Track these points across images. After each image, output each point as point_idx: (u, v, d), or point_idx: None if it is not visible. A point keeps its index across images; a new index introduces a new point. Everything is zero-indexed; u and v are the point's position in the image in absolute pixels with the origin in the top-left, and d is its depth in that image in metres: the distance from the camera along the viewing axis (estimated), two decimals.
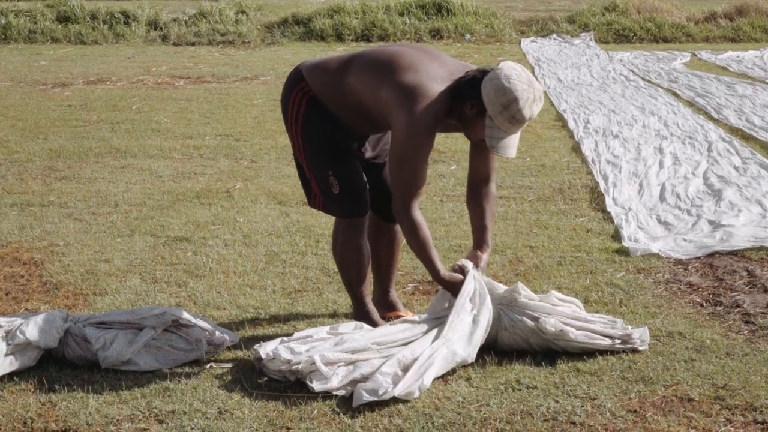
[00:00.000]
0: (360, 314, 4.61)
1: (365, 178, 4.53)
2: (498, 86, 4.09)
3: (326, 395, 3.90)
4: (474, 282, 4.31)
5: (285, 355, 4.06)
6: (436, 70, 4.25)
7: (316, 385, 3.93)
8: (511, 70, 4.14)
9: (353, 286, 4.62)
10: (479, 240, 4.50)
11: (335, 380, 3.96)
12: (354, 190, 4.47)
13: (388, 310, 4.78)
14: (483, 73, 4.18)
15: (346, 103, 4.37)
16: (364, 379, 3.97)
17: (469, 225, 4.42)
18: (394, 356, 4.08)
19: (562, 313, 4.33)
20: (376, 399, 3.85)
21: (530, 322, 4.27)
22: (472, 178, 4.53)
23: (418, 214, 4.27)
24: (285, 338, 4.26)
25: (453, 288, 4.34)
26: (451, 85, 4.20)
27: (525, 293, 4.36)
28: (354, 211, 4.50)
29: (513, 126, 4.12)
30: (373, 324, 4.49)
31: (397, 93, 4.17)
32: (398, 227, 4.65)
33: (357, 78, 4.33)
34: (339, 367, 4.03)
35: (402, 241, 4.77)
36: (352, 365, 4.05)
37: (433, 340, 4.17)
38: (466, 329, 4.20)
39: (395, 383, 3.92)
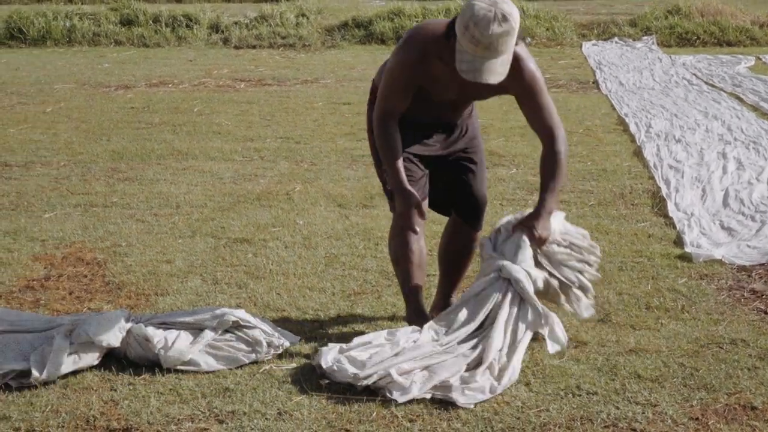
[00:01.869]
0: (409, 314, 4.61)
1: (426, 179, 4.54)
2: (463, 8, 4.07)
3: (385, 398, 3.90)
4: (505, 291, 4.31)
5: (351, 369, 4.04)
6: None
7: (398, 397, 3.91)
8: None
9: (401, 284, 4.62)
10: (536, 206, 4.40)
11: (415, 389, 3.95)
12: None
13: None
14: None
15: None
16: (446, 384, 3.97)
17: None
18: (466, 358, 4.12)
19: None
20: (488, 396, 3.92)
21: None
22: (539, 138, 4.46)
23: (386, 122, 4.34)
24: (344, 345, 4.26)
25: (402, 197, 4.31)
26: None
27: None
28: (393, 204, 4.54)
29: (477, 47, 4.01)
30: (423, 322, 4.47)
31: None
32: (477, 235, 4.71)
33: None
34: (415, 374, 4.03)
35: (475, 251, 4.77)
36: (426, 371, 4.05)
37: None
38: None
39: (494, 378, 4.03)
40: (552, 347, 4.26)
